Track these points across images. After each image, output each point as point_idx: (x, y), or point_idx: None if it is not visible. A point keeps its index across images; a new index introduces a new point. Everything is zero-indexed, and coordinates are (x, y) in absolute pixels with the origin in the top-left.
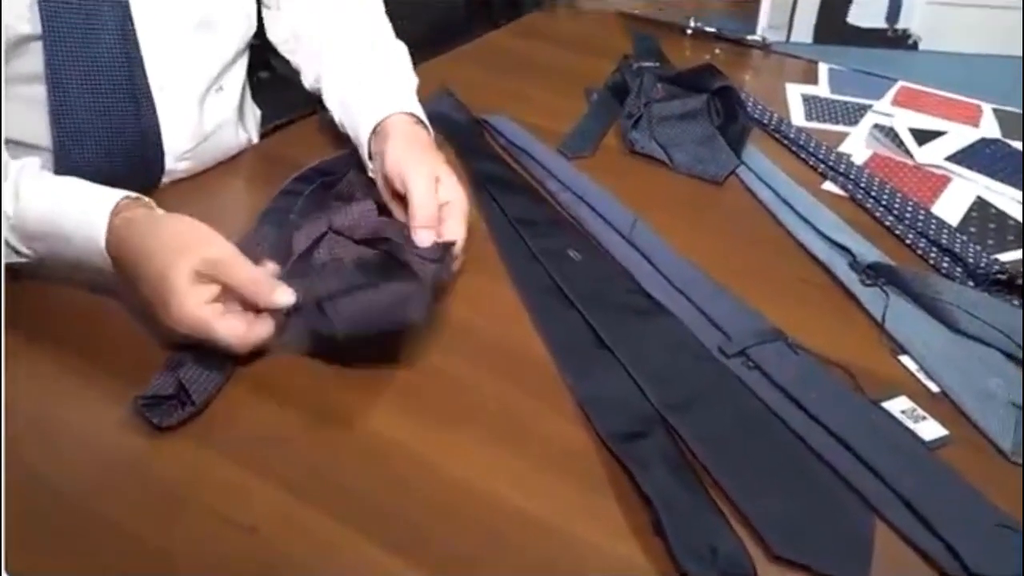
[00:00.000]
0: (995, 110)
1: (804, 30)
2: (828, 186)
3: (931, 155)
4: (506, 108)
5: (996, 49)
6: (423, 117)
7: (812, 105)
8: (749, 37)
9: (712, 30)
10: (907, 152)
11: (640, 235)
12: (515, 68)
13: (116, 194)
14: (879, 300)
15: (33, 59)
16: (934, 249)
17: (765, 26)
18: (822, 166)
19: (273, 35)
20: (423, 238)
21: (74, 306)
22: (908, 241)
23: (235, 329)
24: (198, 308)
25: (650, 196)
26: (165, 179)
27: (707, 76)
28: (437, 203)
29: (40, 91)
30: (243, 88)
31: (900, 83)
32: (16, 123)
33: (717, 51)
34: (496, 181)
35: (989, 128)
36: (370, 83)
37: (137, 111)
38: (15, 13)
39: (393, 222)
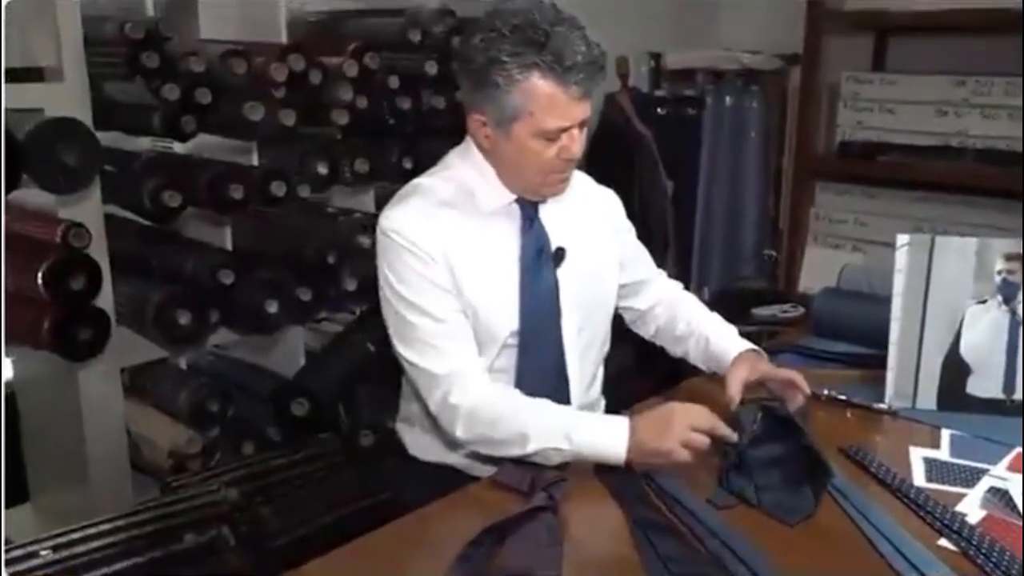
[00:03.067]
0: None
1: (928, 398)
2: (943, 542)
3: None
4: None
5: None
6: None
7: (933, 467)
8: (876, 405)
9: (843, 398)
10: (1019, 514)
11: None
12: None
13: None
14: None
15: (508, 359)
16: None
17: (892, 394)
18: (938, 523)
19: (633, 314)
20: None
21: None
22: None
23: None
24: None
25: (787, 542)
26: None
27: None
28: (739, 384)
29: (509, 378)
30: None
31: (1017, 449)
32: None
33: (849, 415)
34: (650, 525)
35: None
36: (718, 336)
37: (559, 385)
38: (511, 330)
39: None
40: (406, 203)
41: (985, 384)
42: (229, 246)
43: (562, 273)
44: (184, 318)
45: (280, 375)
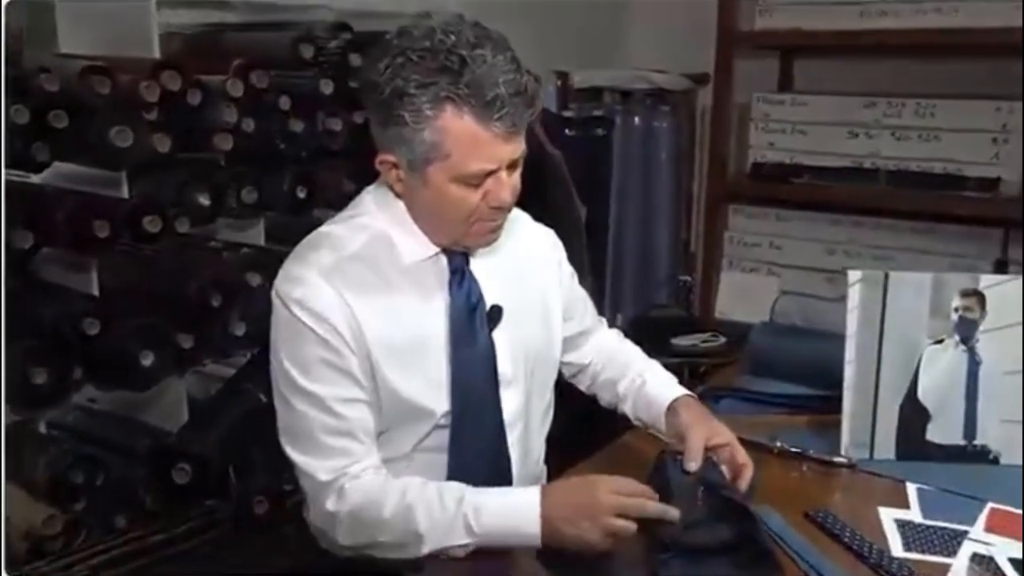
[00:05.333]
0: None
1: (886, 447)
2: None
3: None
4: None
5: None
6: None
7: (908, 532)
8: (835, 458)
9: (797, 450)
10: None
11: None
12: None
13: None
14: None
15: (440, 439)
16: None
17: (848, 443)
18: None
19: (572, 368)
20: (692, 466)
21: None
22: None
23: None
24: (617, 492)
25: None
26: None
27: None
28: (703, 447)
29: (440, 458)
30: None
31: (990, 505)
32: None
33: (805, 468)
34: None
35: None
36: (656, 380)
37: (499, 469)
38: (442, 411)
39: None
40: (311, 261)
41: (945, 430)
42: (95, 290)
43: (499, 336)
44: (39, 376)
45: (160, 430)
